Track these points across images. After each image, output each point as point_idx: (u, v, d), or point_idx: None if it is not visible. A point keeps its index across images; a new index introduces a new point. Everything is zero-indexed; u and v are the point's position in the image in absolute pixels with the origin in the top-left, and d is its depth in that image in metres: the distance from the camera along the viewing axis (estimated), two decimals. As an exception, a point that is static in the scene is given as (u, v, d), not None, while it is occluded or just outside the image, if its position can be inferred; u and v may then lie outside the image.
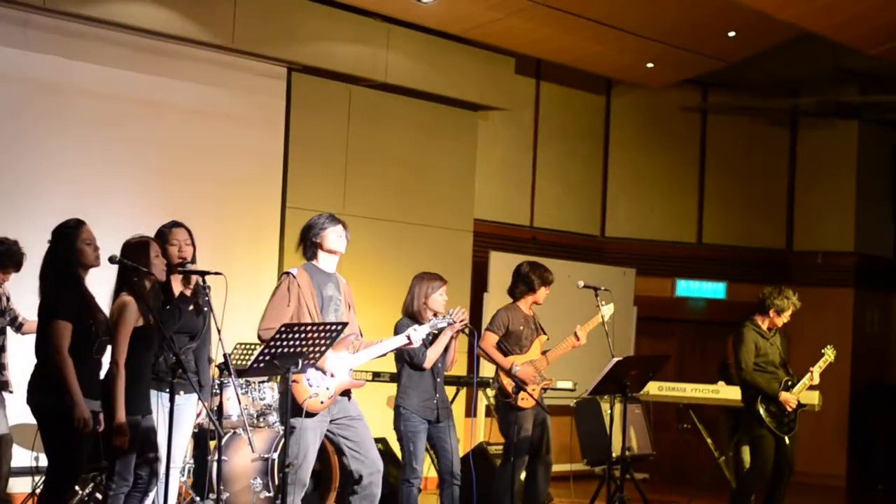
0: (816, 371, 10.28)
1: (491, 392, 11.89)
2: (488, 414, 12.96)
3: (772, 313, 10.16)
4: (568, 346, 9.47)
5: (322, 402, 7.42)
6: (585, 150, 15.92)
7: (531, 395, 9.12)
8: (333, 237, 7.64)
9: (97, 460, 7.73)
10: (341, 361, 7.52)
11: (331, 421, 7.52)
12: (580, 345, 9.49)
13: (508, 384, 9.22)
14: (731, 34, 13.43)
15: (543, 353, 9.49)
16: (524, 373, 9.22)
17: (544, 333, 9.58)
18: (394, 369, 10.37)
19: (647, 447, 12.81)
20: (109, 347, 7.03)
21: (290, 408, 7.13)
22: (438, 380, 8.67)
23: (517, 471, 9.35)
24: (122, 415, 6.88)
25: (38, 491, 8.93)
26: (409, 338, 7.82)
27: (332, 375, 7.44)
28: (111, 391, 6.90)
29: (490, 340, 9.33)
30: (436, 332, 8.30)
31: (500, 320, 9.45)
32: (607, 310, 9.55)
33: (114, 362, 6.95)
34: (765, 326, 10.19)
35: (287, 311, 7.42)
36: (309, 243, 7.68)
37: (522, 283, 9.54)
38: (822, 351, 10.44)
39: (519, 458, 9.32)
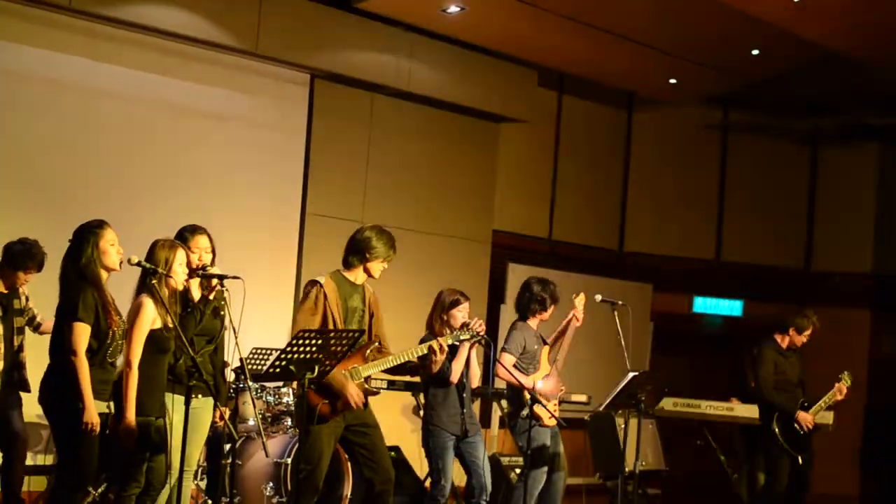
0: (845, 388, 10.33)
1: (506, 403, 11.89)
2: (502, 425, 12.95)
3: (791, 332, 10.17)
4: (569, 339, 9.41)
5: (330, 412, 7.43)
6: (606, 164, 15.92)
7: (552, 414, 9.10)
8: (379, 268, 7.68)
9: (109, 461, 7.76)
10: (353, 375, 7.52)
11: (346, 427, 7.53)
12: (579, 324, 9.42)
13: (536, 406, 9.14)
14: (755, 53, 13.43)
15: (552, 363, 9.47)
16: (546, 390, 9.19)
17: (546, 344, 9.55)
18: (408, 378, 10.39)
19: (661, 463, 12.78)
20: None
21: (305, 413, 7.14)
22: (465, 394, 8.62)
23: (535, 485, 9.34)
24: (131, 416, 6.88)
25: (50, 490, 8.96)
26: (430, 349, 7.81)
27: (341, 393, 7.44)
28: (122, 391, 6.91)
29: (509, 361, 9.23)
30: (457, 342, 8.28)
31: (517, 341, 9.33)
32: (579, 301, 9.47)
33: (127, 363, 6.96)
34: (784, 345, 10.19)
35: (315, 320, 7.44)
36: (354, 256, 7.67)
37: (536, 303, 9.42)
38: (840, 376, 10.44)
39: (538, 472, 9.31)
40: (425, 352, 7.84)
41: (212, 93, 11.59)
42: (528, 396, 9.02)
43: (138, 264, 6.99)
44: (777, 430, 10.01)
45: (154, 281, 7.03)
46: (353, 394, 7.44)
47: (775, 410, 10.03)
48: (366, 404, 7.67)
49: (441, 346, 7.87)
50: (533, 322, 9.43)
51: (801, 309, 10.31)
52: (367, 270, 7.69)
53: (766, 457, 10.23)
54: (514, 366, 9.21)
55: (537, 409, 9.02)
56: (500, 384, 11.36)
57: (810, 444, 10.18)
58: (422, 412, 8.97)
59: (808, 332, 10.18)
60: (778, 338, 10.24)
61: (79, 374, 6.63)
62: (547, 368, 9.39)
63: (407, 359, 7.79)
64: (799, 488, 10.17)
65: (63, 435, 6.79)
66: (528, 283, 9.54)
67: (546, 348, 9.47)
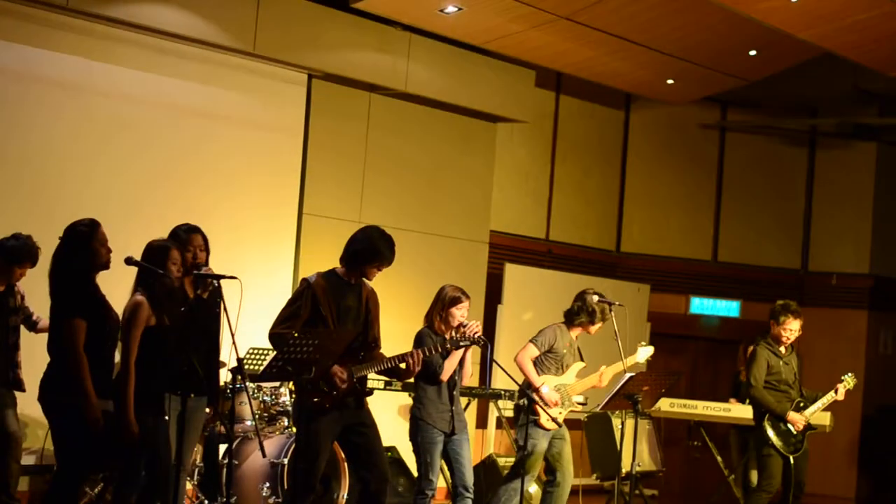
0: (842, 390, 10.33)
1: (503, 403, 11.90)
2: (499, 426, 12.96)
3: (772, 325, 10.17)
4: (590, 384, 9.56)
5: (325, 406, 7.42)
6: (603, 164, 15.93)
7: (554, 420, 9.14)
8: (375, 272, 7.68)
9: (107, 460, 7.75)
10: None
11: (343, 427, 7.53)
12: (600, 385, 9.59)
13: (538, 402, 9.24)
14: (752, 53, 13.42)
15: (580, 377, 9.59)
16: (550, 396, 9.24)
17: (582, 360, 9.63)
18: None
19: (657, 463, 12.79)
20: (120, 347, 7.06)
21: (301, 412, 7.14)
22: (454, 392, 8.66)
23: (521, 485, 9.37)
24: (131, 415, 6.89)
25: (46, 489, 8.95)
26: (411, 357, 7.80)
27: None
28: (121, 391, 6.92)
29: (530, 353, 9.37)
30: (455, 348, 8.30)
31: (547, 338, 9.47)
32: (644, 352, 9.62)
33: (124, 362, 6.98)
34: (778, 344, 10.19)
35: (297, 318, 7.42)
36: (352, 257, 7.65)
37: (585, 315, 9.56)
38: (843, 377, 10.43)
39: (527, 474, 9.33)
40: (405, 360, 7.81)
41: (208, 92, 11.57)
42: (535, 395, 9.14)
43: (135, 264, 6.99)
44: (769, 429, 10.01)
45: (150, 280, 7.04)
46: (337, 371, 7.42)
47: (766, 410, 10.03)
48: (362, 404, 7.67)
49: (419, 359, 7.85)
50: (574, 331, 9.54)
51: (786, 302, 10.29)
52: (362, 272, 7.68)
53: (759, 457, 10.22)
54: (537, 361, 9.29)
55: (537, 406, 9.13)
56: (496, 384, 11.39)
57: (803, 444, 10.17)
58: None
59: (790, 324, 10.11)
60: (771, 338, 10.23)
61: (79, 371, 6.65)
62: (571, 380, 9.47)
63: (396, 363, 7.79)
64: (794, 489, 10.16)
65: (62, 432, 6.80)
66: (585, 291, 9.68)
67: (580, 364, 9.57)
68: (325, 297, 7.49)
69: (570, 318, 9.61)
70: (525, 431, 9.32)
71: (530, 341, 9.50)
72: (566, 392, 9.44)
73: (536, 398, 9.17)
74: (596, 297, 9.58)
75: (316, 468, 7.43)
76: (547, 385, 9.28)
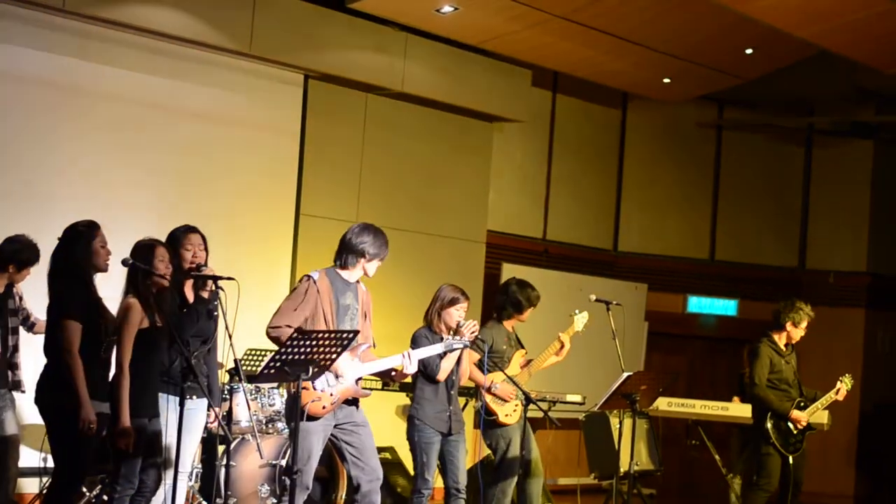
0: (843, 390, 10.32)
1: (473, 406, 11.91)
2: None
3: (788, 326, 10.15)
4: (549, 355, 9.48)
5: (324, 407, 7.42)
6: (600, 164, 15.92)
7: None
8: (375, 266, 7.69)
9: (104, 462, 7.75)
10: (352, 365, 7.51)
11: (335, 426, 7.53)
12: (563, 353, 9.47)
13: (492, 401, 9.23)
14: (749, 51, 13.43)
15: (524, 366, 9.50)
16: (503, 391, 9.21)
17: (522, 347, 9.58)
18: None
19: (655, 463, 12.78)
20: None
21: (297, 413, 7.14)
22: (452, 392, 8.64)
23: (508, 486, 9.37)
24: (125, 417, 6.88)
25: (45, 491, 8.94)
26: (402, 360, 7.79)
27: (338, 377, 7.43)
28: (115, 393, 6.91)
29: (471, 358, 9.27)
30: (450, 351, 8.30)
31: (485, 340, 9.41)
32: (581, 319, 9.54)
33: (118, 364, 6.95)
34: (781, 343, 10.18)
35: (298, 314, 7.42)
36: (351, 256, 7.65)
37: (511, 305, 9.50)
38: (841, 379, 10.42)
39: (510, 474, 9.32)
40: (399, 363, 7.80)
41: (205, 93, 11.57)
42: (486, 396, 9.13)
43: (133, 265, 6.98)
44: (770, 428, 10.00)
45: (147, 281, 7.03)
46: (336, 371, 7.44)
47: (768, 409, 10.02)
48: (357, 404, 7.66)
49: (403, 371, 7.84)
50: (508, 324, 9.49)
51: (793, 301, 10.29)
52: (364, 270, 7.70)
53: (759, 455, 10.22)
54: (482, 362, 9.19)
55: (493, 405, 9.10)
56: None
57: (803, 443, 10.17)
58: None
59: (804, 324, 10.16)
60: (775, 335, 10.22)
61: (73, 372, 6.64)
62: (516, 370, 9.42)
63: (384, 368, 7.79)
64: (791, 487, 10.16)
65: (58, 434, 6.79)
66: (507, 283, 9.68)
67: (521, 352, 9.51)
68: (327, 295, 7.50)
69: (500, 314, 9.58)
70: (494, 434, 9.32)
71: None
72: (517, 383, 9.43)
73: (491, 397, 9.18)
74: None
75: (309, 467, 7.43)
76: (496, 382, 9.24)
